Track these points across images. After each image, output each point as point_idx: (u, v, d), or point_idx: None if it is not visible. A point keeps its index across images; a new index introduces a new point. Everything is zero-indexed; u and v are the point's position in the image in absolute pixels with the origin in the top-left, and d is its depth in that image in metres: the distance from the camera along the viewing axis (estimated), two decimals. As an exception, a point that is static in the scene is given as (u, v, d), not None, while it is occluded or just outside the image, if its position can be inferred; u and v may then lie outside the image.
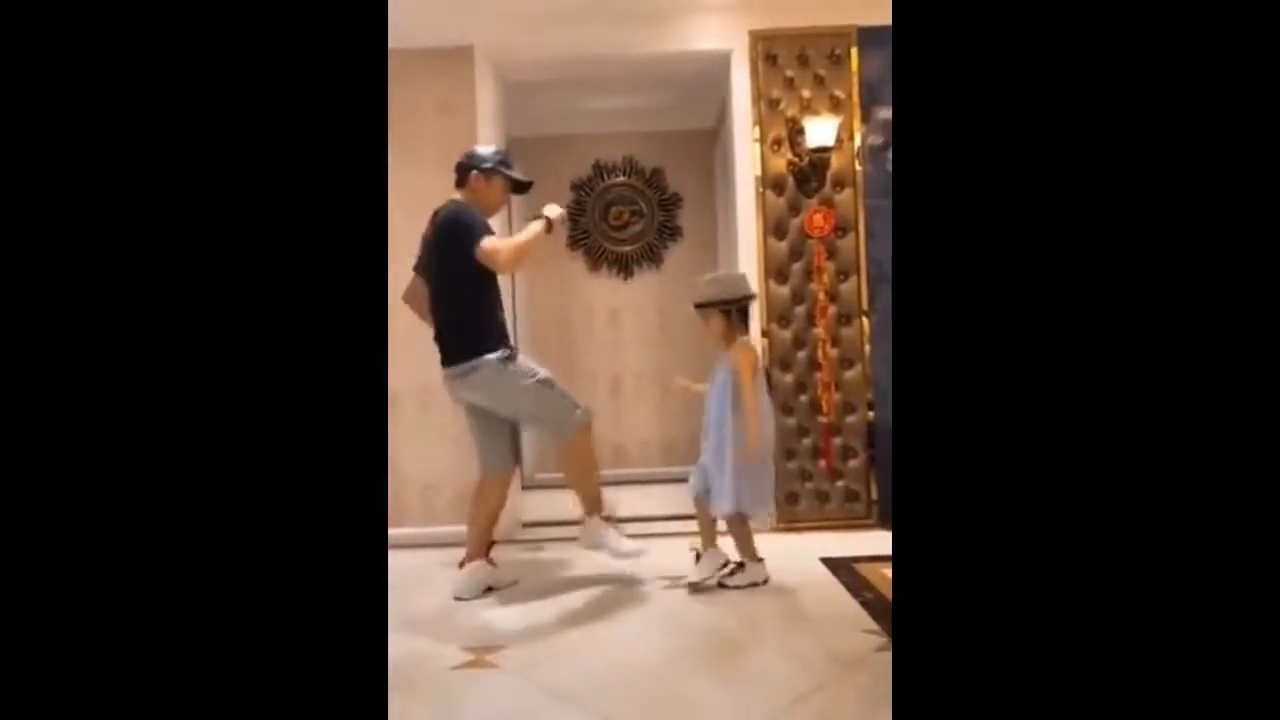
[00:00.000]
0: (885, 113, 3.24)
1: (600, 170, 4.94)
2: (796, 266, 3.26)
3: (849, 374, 3.25)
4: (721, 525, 2.53)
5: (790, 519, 3.21)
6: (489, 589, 2.54)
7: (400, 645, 2.04)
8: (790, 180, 3.26)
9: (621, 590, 2.50)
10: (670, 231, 4.94)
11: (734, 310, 2.49)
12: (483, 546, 2.58)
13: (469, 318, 2.45)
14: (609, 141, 4.92)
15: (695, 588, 2.44)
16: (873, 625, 2.07)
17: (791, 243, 3.26)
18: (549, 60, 3.48)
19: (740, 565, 2.50)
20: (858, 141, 3.24)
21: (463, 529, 2.67)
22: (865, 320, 3.24)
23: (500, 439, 2.62)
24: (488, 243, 2.35)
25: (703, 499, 2.51)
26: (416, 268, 2.63)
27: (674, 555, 2.62)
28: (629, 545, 2.55)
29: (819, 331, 3.24)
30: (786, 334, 3.26)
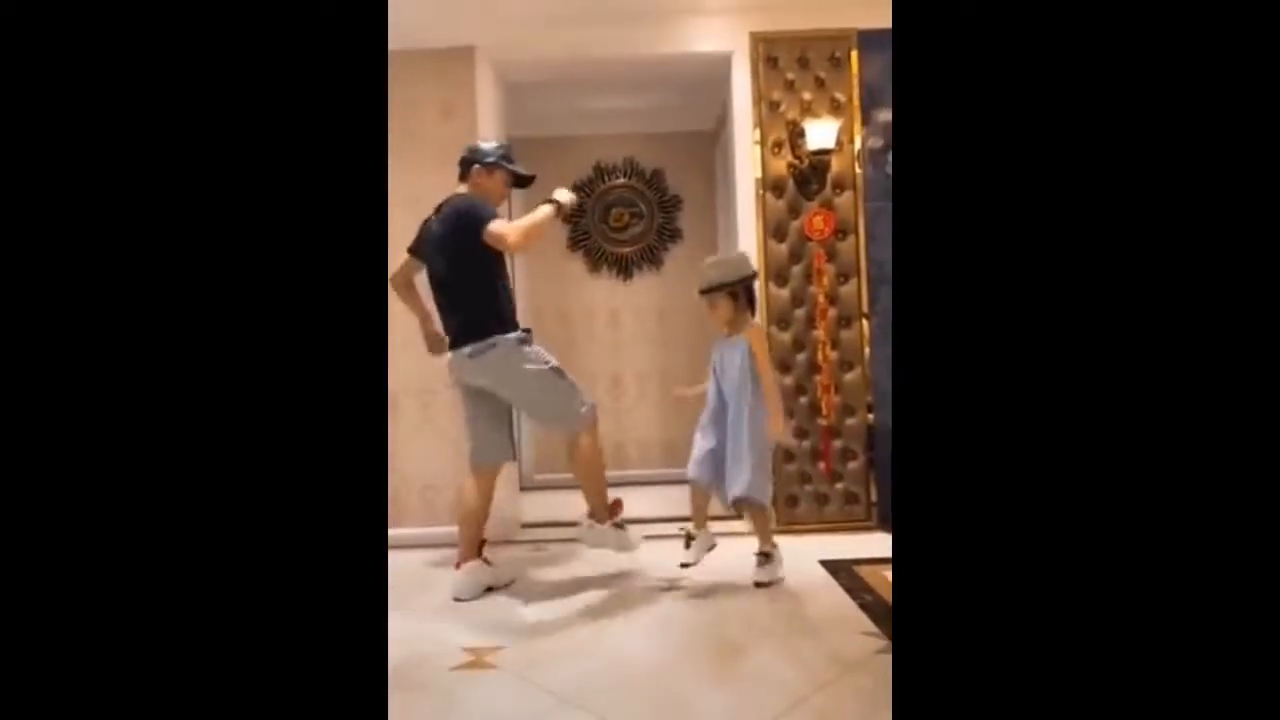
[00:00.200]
0: (885, 116, 3.24)
1: (600, 172, 4.94)
2: (796, 269, 3.26)
3: (849, 376, 3.25)
4: (717, 508, 2.56)
5: (790, 521, 3.21)
6: (488, 589, 2.55)
7: (401, 645, 2.04)
8: (790, 183, 3.27)
9: (622, 591, 2.51)
10: (670, 233, 4.94)
11: (741, 291, 2.50)
12: (475, 545, 2.56)
13: (485, 299, 2.46)
14: (609, 143, 4.92)
15: (686, 567, 2.52)
16: (872, 628, 2.07)
17: (791, 245, 3.26)
18: (550, 61, 3.48)
19: (767, 556, 2.53)
20: (858, 144, 3.25)
21: (464, 530, 2.68)
22: (865, 323, 3.24)
23: (498, 430, 2.61)
24: (495, 225, 2.38)
25: (704, 487, 2.52)
26: (412, 250, 2.64)
27: (674, 555, 2.61)
28: (632, 538, 2.58)
29: (819, 334, 3.24)
30: (786, 336, 3.26)
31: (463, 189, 2.57)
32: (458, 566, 2.53)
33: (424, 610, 2.40)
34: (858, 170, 3.25)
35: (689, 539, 2.53)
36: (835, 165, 3.24)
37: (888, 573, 2.51)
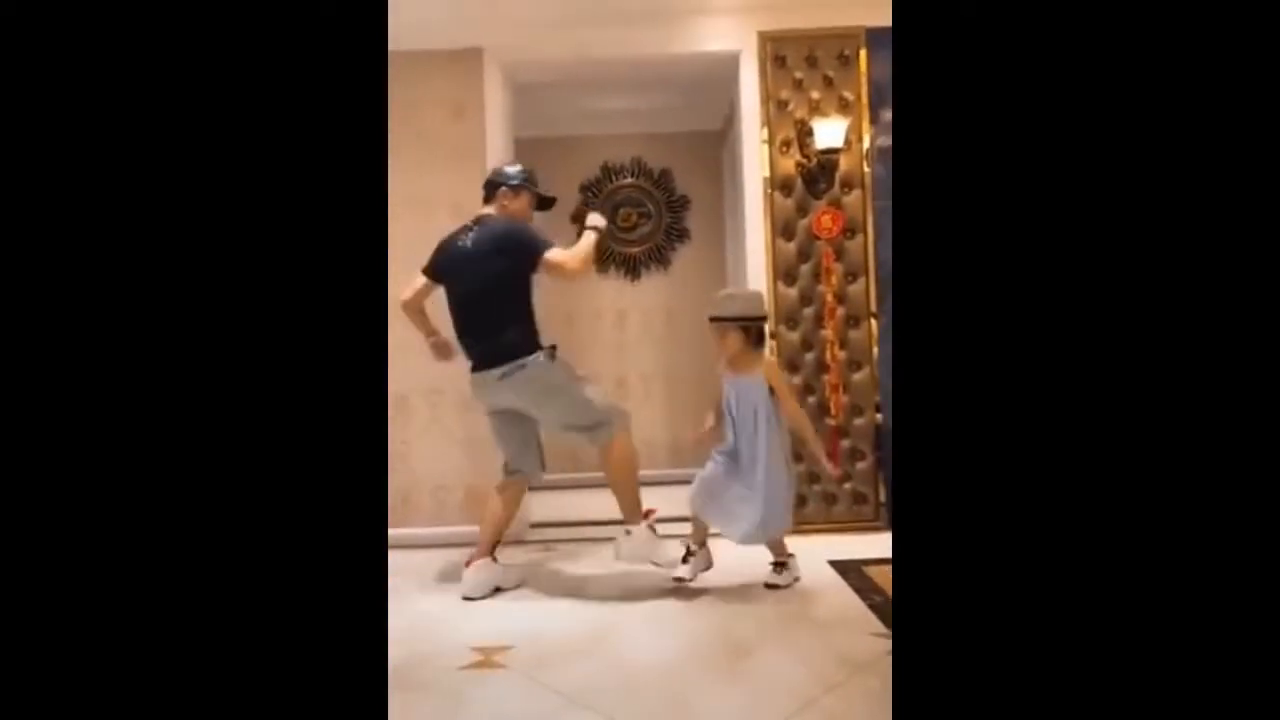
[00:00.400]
0: (894, 114, 3.24)
1: (608, 172, 4.93)
2: (805, 268, 3.25)
3: (857, 376, 3.24)
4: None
5: (798, 521, 3.18)
6: (497, 589, 2.56)
7: (409, 644, 2.05)
8: (799, 182, 3.26)
9: (630, 591, 2.50)
10: (678, 233, 4.93)
11: (753, 329, 2.47)
12: (489, 547, 2.59)
13: (519, 321, 2.50)
14: (617, 143, 4.91)
15: (680, 582, 2.47)
16: (881, 628, 2.07)
17: (800, 244, 3.26)
18: (558, 62, 3.48)
19: (782, 565, 2.53)
20: (866, 143, 3.24)
21: (474, 529, 2.69)
22: (873, 322, 3.23)
23: (529, 447, 2.68)
24: (553, 254, 2.46)
25: (704, 521, 2.49)
26: (427, 271, 2.65)
27: (679, 556, 2.60)
28: (672, 553, 2.52)
29: (827, 333, 3.23)
30: (794, 336, 3.25)
31: (488, 210, 2.61)
32: (468, 564, 2.55)
33: (433, 609, 2.41)
34: (866, 169, 3.24)
35: (688, 553, 2.52)
36: (844, 164, 3.23)
37: (897, 573, 2.50)
